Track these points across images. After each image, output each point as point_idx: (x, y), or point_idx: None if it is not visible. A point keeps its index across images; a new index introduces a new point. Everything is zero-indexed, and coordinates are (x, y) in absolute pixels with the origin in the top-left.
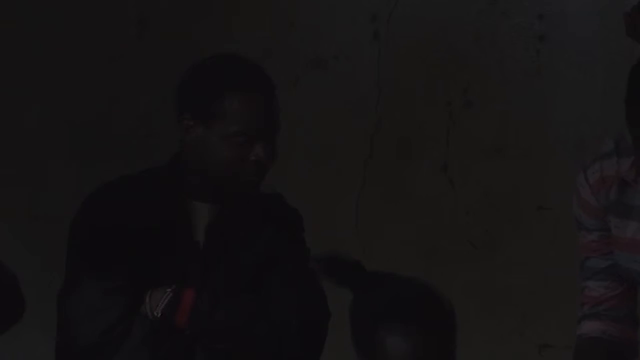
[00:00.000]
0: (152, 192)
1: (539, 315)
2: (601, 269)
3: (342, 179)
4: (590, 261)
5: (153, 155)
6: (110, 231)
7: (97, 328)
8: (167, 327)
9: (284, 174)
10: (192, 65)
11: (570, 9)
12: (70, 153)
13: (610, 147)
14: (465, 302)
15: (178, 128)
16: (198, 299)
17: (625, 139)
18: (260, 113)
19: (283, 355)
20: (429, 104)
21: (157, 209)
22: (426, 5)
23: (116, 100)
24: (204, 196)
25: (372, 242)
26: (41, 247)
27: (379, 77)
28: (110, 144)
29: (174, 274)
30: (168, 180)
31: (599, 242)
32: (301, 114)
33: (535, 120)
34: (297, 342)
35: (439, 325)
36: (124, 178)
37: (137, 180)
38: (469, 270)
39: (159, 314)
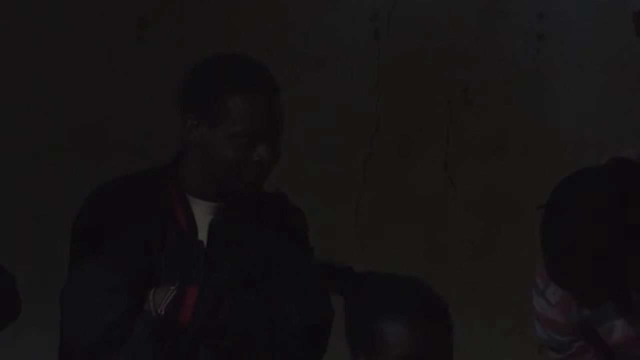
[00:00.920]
0: (155, 190)
1: None
2: None
3: (342, 178)
4: None
5: (153, 155)
6: (112, 230)
7: (100, 326)
8: (170, 325)
9: (284, 173)
10: (196, 64)
11: (570, 8)
12: (70, 153)
13: None
14: (465, 301)
15: (181, 127)
16: (201, 297)
17: None
18: (264, 113)
19: (286, 353)
20: (429, 103)
21: (160, 207)
22: (426, 4)
23: (116, 101)
24: (207, 195)
25: (373, 241)
26: (42, 247)
27: (378, 76)
28: (110, 144)
29: (177, 272)
30: (171, 179)
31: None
32: (301, 113)
33: (535, 119)
34: (300, 340)
35: (437, 316)
36: (126, 177)
37: (139, 178)
38: (469, 269)
39: (162, 312)
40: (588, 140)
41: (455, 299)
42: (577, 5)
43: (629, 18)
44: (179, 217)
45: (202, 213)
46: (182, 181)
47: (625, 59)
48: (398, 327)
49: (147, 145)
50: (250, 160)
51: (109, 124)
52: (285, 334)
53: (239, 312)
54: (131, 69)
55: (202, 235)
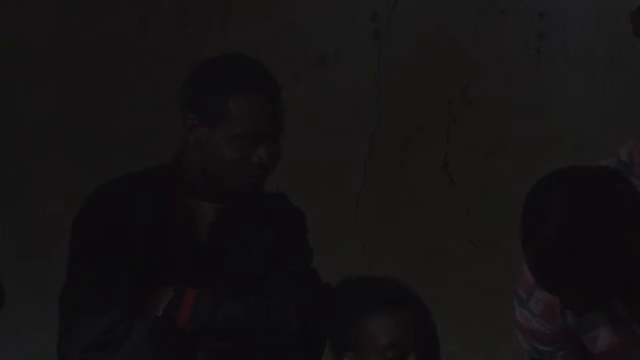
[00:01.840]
0: (155, 191)
1: None
2: None
3: (342, 177)
4: None
5: (153, 155)
6: (112, 230)
7: (98, 327)
8: (169, 326)
9: (284, 173)
10: (197, 65)
11: (570, 7)
12: (69, 152)
13: None
14: (465, 300)
15: (182, 127)
16: (199, 298)
17: None
18: (264, 115)
19: (284, 354)
20: (429, 102)
21: (160, 208)
22: (426, 3)
23: (116, 99)
24: (207, 196)
25: (373, 240)
26: (41, 247)
27: (379, 76)
28: (110, 143)
29: (176, 273)
30: (171, 179)
31: None
32: (301, 112)
33: (535, 119)
34: (298, 341)
35: (416, 304)
36: (126, 177)
37: (139, 178)
38: (469, 268)
39: (161, 313)
40: (588, 140)
41: (455, 299)
42: (577, 4)
43: (629, 17)
44: (179, 217)
45: (202, 214)
46: (183, 181)
47: (625, 58)
48: (381, 317)
49: (146, 144)
50: (250, 162)
51: (109, 122)
52: (283, 335)
53: (238, 313)
54: (131, 67)
55: (202, 235)
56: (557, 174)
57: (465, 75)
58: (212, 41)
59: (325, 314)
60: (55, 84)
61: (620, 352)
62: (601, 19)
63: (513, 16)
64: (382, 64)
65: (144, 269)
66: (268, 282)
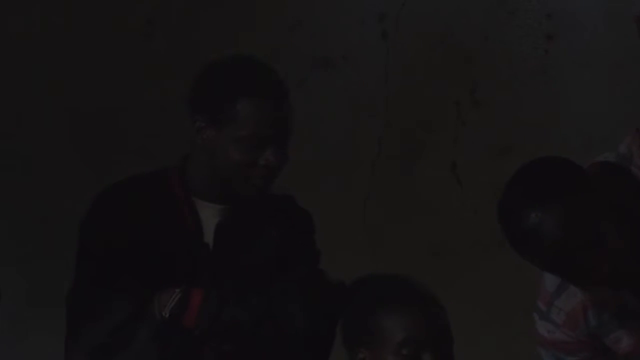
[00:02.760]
0: (162, 192)
1: None
2: None
3: (350, 178)
4: None
5: (159, 156)
6: (119, 232)
7: (105, 328)
8: (175, 327)
9: (292, 174)
10: (206, 66)
11: (578, 8)
12: (76, 153)
13: (556, 283)
14: (473, 302)
15: (190, 129)
16: (206, 299)
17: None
18: (272, 117)
19: (291, 355)
20: (437, 104)
21: (167, 209)
22: (434, 4)
23: (122, 100)
24: (214, 197)
25: (381, 241)
26: (47, 249)
27: (387, 77)
28: (117, 143)
29: (183, 275)
30: (178, 180)
31: None
32: (309, 113)
33: (543, 120)
34: (305, 343)
35: (431, 300)
36: (134, 178)
37: (146, 180)
38: (477, 269)
39: (167, 315)
40: (596, 140)
41: (464, 300)
42: (585, 5)
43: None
44: (186, 218)
45: (209, 215)
46: (189, 183)
47: (633, 60)
48: (397, 314)
49: (153, 146)
50: (257, 164)
51: (115, 123)
52: (290, 336)
53: (244, 314)
54: (138, 68)
55: (209, 237)
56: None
57: (473, 77)
58: (220, 43)
59: (335, 314)
60: (62, 86)
61: None
62: (609, 20)
63: (521, 17)
64: (390, 65)
65: (151, 270)
66: (275, 283)
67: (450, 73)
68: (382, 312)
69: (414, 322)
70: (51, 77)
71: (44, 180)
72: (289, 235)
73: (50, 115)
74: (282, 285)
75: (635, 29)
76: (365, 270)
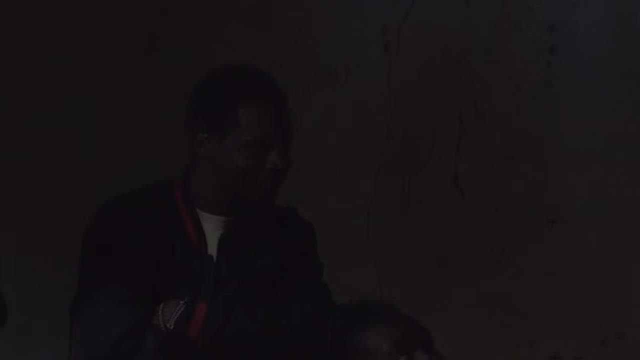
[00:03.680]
0: (165, 204)
1: (549, 326)
2: None
3: (353, 190)
4: None
5: (160, 168)
6: (122, 243)
7: (109, 340)
8: (179, 339)
9: (295, 185)
10: (204, 77)
11: (581, 21)
12: (77, 165)
13: None
14: (475, 313)
15: (189, 142)
16: (210, 312)
17: None
18: (274, 122)
19: None
20: (440, 115)
21: (170, 221)
22: (437, 16)
23: (124, 114)
24: (216, 209)
25: (383, 252)
26: (51, 259)
27: (389, 89)
28: (118, 158)
29: (187, 286)
30: (181, 193)
31: None
32: (312, 125)
33: (545, 132)
34: (308, 352)
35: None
36: (137, 190)
37: (149, 192)
38: (479, 281)
39: (172, 327)
40: (599, 153)
41: (466, 311)
42: (588, 18)
43: (639, 31)
44: (189, 231)
45: (212, 227)
46: (192, 195)
47: (635, 71)
48: (377, 329)
49: (155, 158)
50: (264, 168)
51: (117, 136)
52: (293, 346)
53: (248, 326)
54: (140, 82)
55: (212, 249)
56: None
57: (476, 89)
58: (222, 55)
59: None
60: (63, 96)
61: None
62: (612, 32)
63: (523, 29)
64: (392, 77)
65: (155, 282)
66: (278, 295)
67: (453, 85)
68: (362, 332)
69: (395, 330)
70: (54, 90)
71: (46, 190)
72: (292, 247)
73: (50, 127)
74: (286, 296)
75: (637, 41)
76: (368, 281)
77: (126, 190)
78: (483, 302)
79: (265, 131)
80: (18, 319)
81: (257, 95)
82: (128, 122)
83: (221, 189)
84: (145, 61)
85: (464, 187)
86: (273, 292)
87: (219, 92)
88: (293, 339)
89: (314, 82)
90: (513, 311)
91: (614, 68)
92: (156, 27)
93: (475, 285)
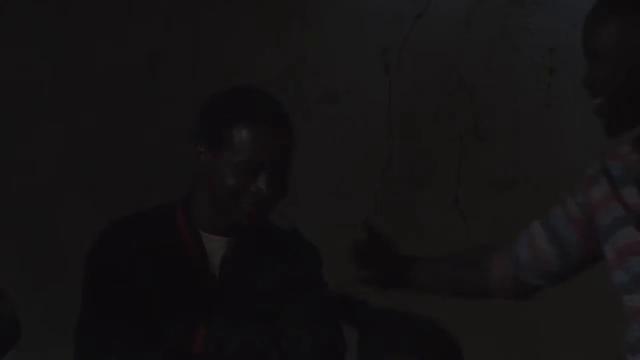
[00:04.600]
0: (168, 226)
1: (554, 347)
2: None
3: (353, 212)
4: None
5: (161, 189)
6: (124, 265)
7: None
8: (183, 356)
9: (296, 207)
10: (210, 96)
11: (580, 43)
12: (79, 187)
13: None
14: (478, 335)
15: (192, 159)
16: (210, 334)
17: None
18: (268, 145)
19: None
20: (440, 138)
21: (172, 242)
22: (437, 39)
23: (127, 134)
24: (218, 230)
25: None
26: (55, 279)
27: (390, 111)
28: (119, 177)
29: (189, 308)
30: (183, 214)
31: None
32: (313, 147)
33: (546, 154)
34: None
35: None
36: (140, 213)
37: (152, 214)
38: (482, 304)
39: (173, 348)
40: None
41: (469, 334)
42: None
43: None
44: (191, 252)
45: (215, 248)
46: (194, 216)
47: None
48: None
49: (157, 180)
50: (249, 190)
51: (120, 157)
52: None
53: (250, 347)
54: (143, 102)
55: (215, 269)
56: None
57: (476, 111)
58: (224, 75)
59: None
60: (65, 118)
61: None
62: None
63: (524, 51)
64: (393, 99)
65: (156, 303)
66: (282, 315)
67: (453, 107)
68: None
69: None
70: (55, 112)
71: (50, 213)
72: (296, 268)
73: (51, 148)
74: (289, 317)
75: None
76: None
77: (128, 214)
78: (486, 325)
79: (256, 154)
80: (25, 343)
81: (253, 116)
82: (129, 144)
83: (216, 207)
84: (146, 81)
85: (464, 209)
86: (276, 312)
87: (220, 110)
88: (296, 352)
89: (314, 105)
90: (517, 332)
91: None
92: (158, 47)
93: (478, 307)
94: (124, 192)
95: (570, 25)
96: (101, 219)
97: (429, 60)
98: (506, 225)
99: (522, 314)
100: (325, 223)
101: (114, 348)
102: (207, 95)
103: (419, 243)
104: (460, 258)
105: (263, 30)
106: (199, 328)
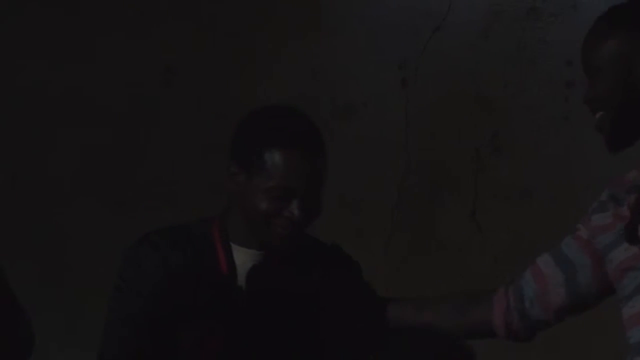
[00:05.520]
0: (201, 236)
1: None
2: None
3: (370, 225)
4: None
5: (179, 202)
6: (156, 269)
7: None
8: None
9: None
10: (246, 114)
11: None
12: (96, 199)
13: None
14: (493, 349)
15: (225, 174)
16: (225, 346)
17: None
18: (300, 170)
19: None
20: (457, 150)
21: (203, 251)
22: (454, 52)
23: (143, 147)
24: (250, 243)
25: (401, 287)
26: (75, 295)
27: (407, 124)
28: (136, 190)
29: (211, 315)
30: (217, 227)
31: None
32: (330, 160)
33: (563, 166)
34: None
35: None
36: (175, 225)
37: (190, 226)
38: None
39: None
40: None
41: (483, 347)
42: None
43: None
44: (221, 261)
45: (246, 260)
46: (227, 229)
47: None
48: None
49: (172, 192)
50: (282, 215)
51: (136, 170)
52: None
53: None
54: (158, 115)
55: (242, 281)
56: None
57: (494, 123)
58: (239, 90)
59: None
60: (82, 130)
61: None
62: None
63: (541, 64)
64: (410, 112)
65: (178, 309)
66: (322, 334)
67: (470, 120)
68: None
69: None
70: (71, 124)
71: (64, 225)
72: (335, 283)
73: (67, 161)
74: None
75: None
76: None
77: (158, 228)
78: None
79: (289, 179)
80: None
81: (285, 141)
82: (145, 157)
83: (248, 224)
84: (161, 94)
85: (481, 221)
86: (313, 329)
87: (252, 131)
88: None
89: (331, 118)
90: (532, 346)
91: None
92: (173, 61)
93: None
94: (139, 203)
95: None
96: (117, 230)
97: (445, 74)
98: (523, 237)
99: None
100: (342, 234)
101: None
102: (221, 110)
103: (437, 255)
104: (447, 304)
105: (279, 44)
106: (213, 337)
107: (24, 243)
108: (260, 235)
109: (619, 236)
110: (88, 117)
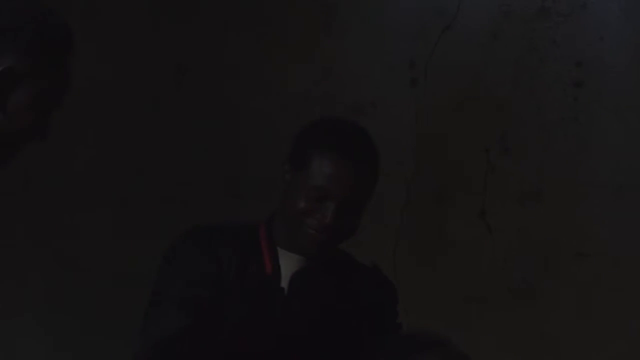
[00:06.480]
0: (249, 236)
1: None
2: None
3: (379, 225)
4: None
5: (191, 204)
6: (199, 262)
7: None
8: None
9: None
10: (314, 120)
11: (608, 56)
12: (107, 200)
13: None
14: (503, 349)
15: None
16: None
17: None
18: (342, 177)
19: None
20: (467, 151)
21: (249, 250)
22: (464, 52)
23: (154, 148)
24: (294, 247)
25: (411, 288)
26: (83, 296)
27: (416, 124)
28: (146, 191)
29: (250, 311)
30: (265, 229)
31: None
32: None
33: (572, 167)
34: None
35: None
36: (227, 222)
37: (238, 225)
38: (507, 317)
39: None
40: (626, 187)
41: (493, 347)
42: (614, 52)
43: None
44: (265, 261)
45: (291, 263)
46: (275, 233)
47: None
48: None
49: (182, 193)
50: (314, 215)
51: (147, 171)
52: None
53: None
54: (170, 115)
55: (285, 284)
56: None
57: (503, 124)
58: (250, 89)
59: None
60: (92, 131)
61: None
62: (638, 68)
63: (550, 65)
64: (419, 113)
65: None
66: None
67: (480, 120)
68: None
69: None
70: (81, 126)
71: (75, 226)
72: (372, 299)
73: (79, 162)
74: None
75: None
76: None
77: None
78: (511, 338)
79: (328, 182)
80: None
81: (337, 147)
82: (156, 157)
83: (286, 226)
84: (172, 93)
85: (491, 222)
86: (345, 341)
87: (310, 135)
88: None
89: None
90: (543, 346)
91: None
92: (185, 61)
93: (504, 321)
94: (151, 204)
95: (597, 37)
96: (127, 232)
97: (455, 73)
98: (532, 238)
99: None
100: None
101: (159, 327)
102: (231, 109)
103: (446, 256)
104: None
105: (289, 44)
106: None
107: (34, 242)
108: (295, 236)
109: None
110: (99, 117)
